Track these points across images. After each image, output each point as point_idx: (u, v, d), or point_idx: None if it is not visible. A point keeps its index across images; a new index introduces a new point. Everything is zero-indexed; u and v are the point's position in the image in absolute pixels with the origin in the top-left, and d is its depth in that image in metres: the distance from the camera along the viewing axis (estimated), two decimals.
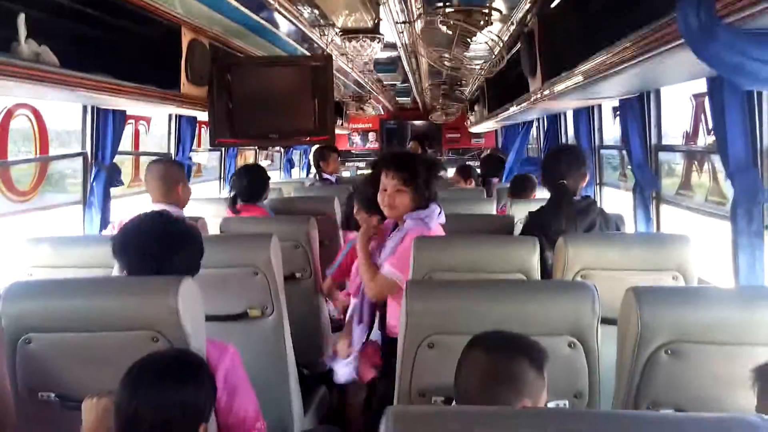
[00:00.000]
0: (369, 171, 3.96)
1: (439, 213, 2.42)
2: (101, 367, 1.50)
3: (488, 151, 9.54)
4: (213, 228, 3.08)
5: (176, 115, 4.25)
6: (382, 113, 11.24)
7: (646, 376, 1.45)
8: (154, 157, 3.59)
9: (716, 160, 2.72)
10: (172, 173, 2.80)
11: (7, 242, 2.52)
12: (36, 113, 2.96)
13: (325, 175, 5.85)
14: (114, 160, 3.36)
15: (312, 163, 6.16)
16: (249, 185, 3.48)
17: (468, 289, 1.66)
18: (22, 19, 2.16)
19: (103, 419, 1.39)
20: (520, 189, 4.30)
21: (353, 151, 11.68)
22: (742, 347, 1.42)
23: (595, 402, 1.55)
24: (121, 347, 1.48)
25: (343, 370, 2.47)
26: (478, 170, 6.11)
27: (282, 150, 7.42)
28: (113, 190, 3.40)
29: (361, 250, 2.42)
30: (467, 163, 7.09)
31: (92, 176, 3.30)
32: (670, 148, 3.39)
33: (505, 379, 1.23)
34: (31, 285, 1.70)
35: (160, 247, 1.61)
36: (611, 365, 1.59)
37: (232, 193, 3.55)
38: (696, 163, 3.06)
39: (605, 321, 1.57)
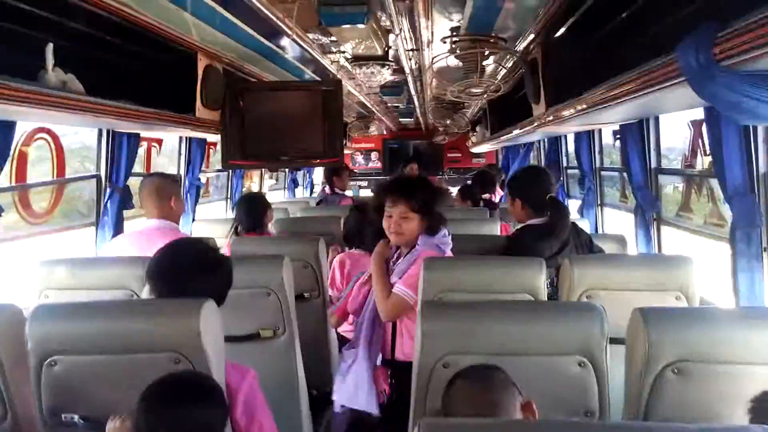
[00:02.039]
0: (371, 193, 4.01)
1: (448, 234, 2.46)
2: (124, 388, 1.51)
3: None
4: (222, 249, 3.14)
5: (187, 137, 4.33)
6: (385, 133, 11.34)
7: (654, 395, 1.50)
8: None
9: (714, 183, 2.80)
10: (165, 186, 2.82)
11: (23, 263, 2.56)
12: (54, 136, 3.04)
13: (338, 191, 5.92)
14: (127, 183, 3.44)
15: (324, 179, 6.21)
16: (249, 216, 3.51)
17: (481, 310, 1.71)
18: (50, 48, 2.24)
19: None
20: None
21: (356, 171, 11.76)
22: (744, 366, 1.47)
23: (605, 420, 1.60)
24: (143, 369, 1.50)
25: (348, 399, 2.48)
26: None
27: (287, 170, 7.50)
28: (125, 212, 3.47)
29: (377, 269, 2.41)
30: (468, 183, 7.14)
31: (106, 198, 3.37)
32: (669, 171, 3.47)
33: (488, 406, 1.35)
34: (57, 308, 1.71)
35: (194, 273, 1.66)
36: (619, 384, 1.64)
37: (235, 225, 3.59)
38: (695, 186, 3.14)
39: (611, 341, 1.63)
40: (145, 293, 1.78)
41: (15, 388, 1.62)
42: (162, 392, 1.38)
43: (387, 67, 3.73)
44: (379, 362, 2.42)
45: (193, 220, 4.39)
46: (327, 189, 5.95)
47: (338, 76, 4.16)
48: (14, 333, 1.61)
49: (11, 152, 2.53)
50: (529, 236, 2.71)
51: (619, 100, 2.44)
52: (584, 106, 2.95)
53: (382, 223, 2.42)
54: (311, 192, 8.51)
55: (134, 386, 1.47)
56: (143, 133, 3.66)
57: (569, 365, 1.57)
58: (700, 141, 3.03)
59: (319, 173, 9.63)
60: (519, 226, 2.87)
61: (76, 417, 1.54)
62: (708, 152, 2.83)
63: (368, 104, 6.97)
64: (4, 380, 1.60)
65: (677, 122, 3.30)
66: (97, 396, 1.55)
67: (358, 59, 3.72)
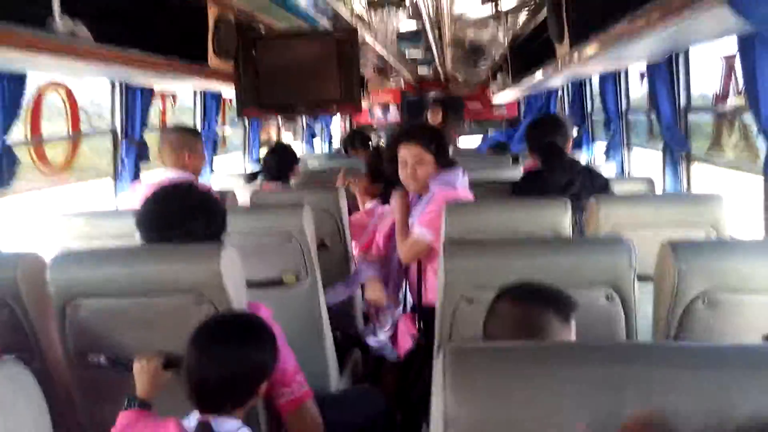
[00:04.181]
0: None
1: (463, 175, 2.44)
2: (149, 329, 1.55)
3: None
4: (241, 201, 3.13)
5: (201, 92, 4.30)
6: (403, 86, 11.17)
7: (683, 327, 1.47)
8: None
9: (747, 120, 2.70)
10: (180, 139, 2.83)
11: (43, 216, 2.59)
12: (68, 91, 3.02)
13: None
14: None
15: (341, 145, 6.13)
16: (278, 164, 3.57)
17: (504, 246, 1.69)
18: None
19: (155, 379, 1.45)
20: None
21: (374, 125, 11.66)
22: None
23: None
24: (167, 310, 1.54)
25: (379, 343, 2.51)
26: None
27: (304, 124, 7.43)
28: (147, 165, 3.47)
29: (398, 211, 2.43)
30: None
31: (123, 152, 3.37)
32: (700, 109, 3.35)
33: (532, 328, 1.26)
34: (78, 254, 1.74)
35: (180, 216, 1.64)
36: (647, 320, 1.61)
37: (252, 173, 3.61)
38: (726, 124, 3.03)
39: (639, 278, 1.59)
40: (138, 241, 1.76)
41: (41, 332, 1.66)
42: (211, 332, 1.40)
43: (403, 9, 3.61)
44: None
45: (212, 171, 4.40)
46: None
47: (353, 25, 4.05)
48: (36, 280, 1.64)
49: (23, 105, 2.52)
50: (525, 182, 2.75)
51: (646, 30, 2.34)
52: (609, 41, 2.84)
53: (398, 174, 2.44)
54: (330, 146, 8.45)
55: (159, 327, 1.54)
56: (157, 89, 3.63)
57: (597, 298, 1.54)
58: (733, 76, 2.90)
59: (337, 127, 9.55)
60: None
61: (102, 358, 1.56)
62: (740, 90, 2.73)
63: (385, 56, 6.83)
64: (30, 325, 1.64)
65: (706, 63, 3.18)
66: (122, 337, 1.57)
67: (373, 4, 3.62)
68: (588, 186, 2.61)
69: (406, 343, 2.39)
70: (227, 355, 1.37)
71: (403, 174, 2.43)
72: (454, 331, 1.62)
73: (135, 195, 2.77)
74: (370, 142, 5.58)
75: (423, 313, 2.34)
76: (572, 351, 0.82)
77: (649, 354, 0.79)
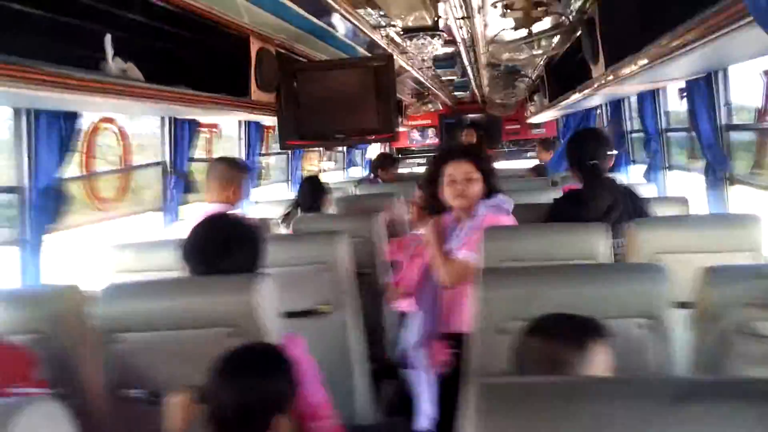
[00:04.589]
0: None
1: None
2: (183, 363, 1.57)
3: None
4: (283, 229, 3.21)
5: (245, 122, 4.43)
6: (441, 109, 11.22)
7: (723, 356, 1.44)
8: None
9: None
10: (228, 173, 2.87)
11: (95, 248, 2.68)
12: (120, 128, 3.16)
13: (378, 180, 5.89)
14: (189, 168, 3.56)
15: (370, 170, 6.24)
16: (311, 195, 3.64)
17: (540, 274, 1.68)
18: (108, 39, 2.33)
19: (184, 413, 1.46)
20: None
21: (413, 148, 11.71)
22: None
23: None
24: (202, 343, 1.56)
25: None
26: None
27: (345, 151, 7.55)
28: (190, 197, 3.59)
29: (434, 238, 2.39)
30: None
31: (171, 183, 3.50)
32: (741, 127, 3.28)
33: (554, 363, 1.24)
34: (122, 287, 1.78)
35: (217, 248, 1.68)
36: (686, 349, 1.58)
37: (294, 202, 3.68)
38: None
39: (682, 305, 1.57)
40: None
41: (81, 365, 1.70)
42: (231, 363, 1.41)
43: (438, 37, 3.67)
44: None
45: (255, 201, 4.49)
46: (370, 177, 5.97)
47: (389, 51, 4.13)
48: (76, 312, 1.69)
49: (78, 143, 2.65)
50: (565, 202, 2.66)
51: (681, 51, 2.32)
52: (645, 62, 2.82)
53: (441, 193, 2.39)
54: (369, 171, 8.54)
55: (193, 360, 1.51)
56: (203, 120, 3.76)
57: (632, 328, 1.52)
58: None
59: (375, 153, 9.65)
60: None
61: (140, 391, 1.59)
62: None
63: (422, 79, 6.90)
64: (69, 358, 1.68)
65: (748, 77, 3.11)
66: (159, 371, 1.60)
67: (408, 31, 3.69)
68: (629, 210, 2.54)
69: (439, 369, 2.32)
70: (244, 382, 1.38)
71: (451, 192, 2.37)
72: (486, 362, 1.61)
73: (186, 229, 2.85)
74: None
75: (456, 342, 2.30)
76: (603, 387, 0.82)
77: (684, 389, 0.78)
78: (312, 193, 3.67)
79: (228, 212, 2.63)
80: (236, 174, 2.93)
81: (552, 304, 1.44)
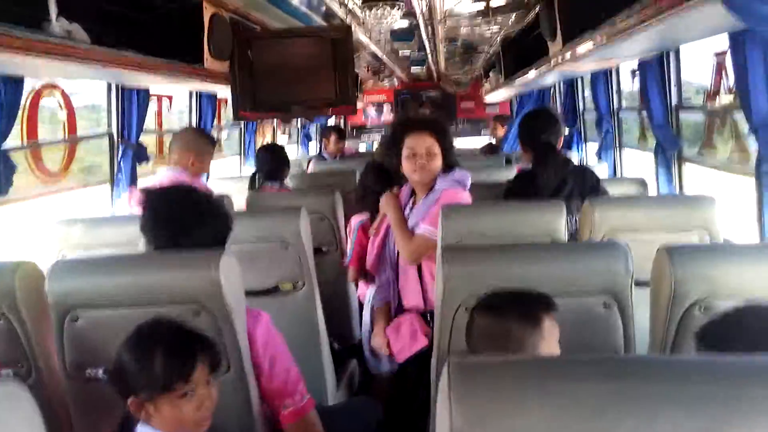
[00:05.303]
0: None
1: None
2: None
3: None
4: (238, 205, 3.12)
5: (197, 93, 4.28)
6: (397, 85, 11.17)
7: (681, 334, 1.47)
8: None
9: (739, 118, 2.72)
10: (192, 141, 2.83)
11: (39, 223, 2.57)
12: (64, 94, 3.01)
13: (324, 155, 5.82)
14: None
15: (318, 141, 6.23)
16: (270, 164, 3.53)
17: (503, 251, 1.69)
18: None
19: None
20: None
21: (368, 125, 11.65)
22: None
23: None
24: None
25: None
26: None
27: (299, 125, 7.42)
28: (138, 169, 3.46)
29: (394, 212, 2.36)
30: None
31: (119, 155, 3.36)
32: (691, 108, 3.37)
33: (503, 339, 1.28)
34: (76, 263, 1.72)
35: (189, 221, 1.61)
36: (643, 326, 1.62)
37: (253, 173, 3.59)
38: (718, 122, 3.05)
39: (635, 283, 1.59)
40: (141, 247, 1.74)
41: (38, 344, 1.63)
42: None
43: (397, 7, 3.61)
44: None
45: (207, 177, 4.37)
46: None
47: (348, 22, 4.05)
48: (34, 290, 1.62)
49: (20, 110, 2.50)
50: (517, 183, 2.70)
51: (638, 27, 2.35)
52: (602, 39, 2.85)
53: (399, 165, 2.35)
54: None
55: None
56: (153, 90, 3.61)
57: (594, 306, 1.55)
58: (723, 74, 2.92)
59: None
60: None
61: (99, 371, 1.54)
62: (731, 89, 2.74)
63: (379, 54, 6.83)
64: (27, 337, 1.62)
65: (697, 60, 3.19)
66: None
67: (367, 1, 3.61)
68: (580, 187, 2.59)
69: (414, 343, 2.28)
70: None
71: (410, 165, 2.32)
72: (453, 339, 1.62)
73: (135, 199, 2.75)
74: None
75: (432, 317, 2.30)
76: (574, 366, 0.83)
77: (655, 368, 0.79)
78: (271, 161, 3.56)
79: (186, 183, 2.55)
80: (202, 144, 2.86)
81: (516, 281, 1.45)
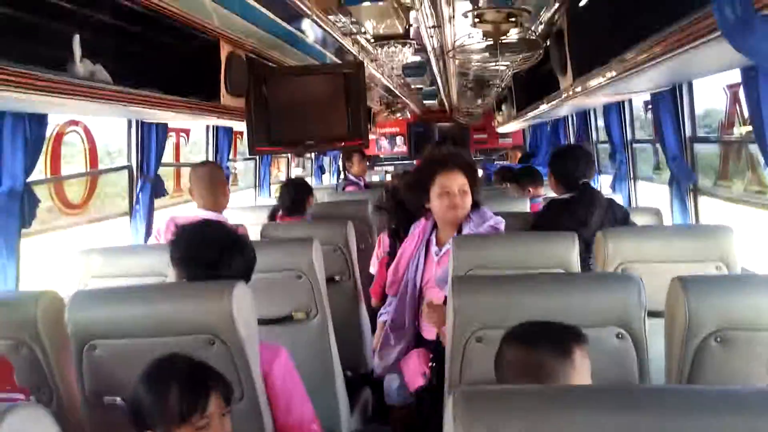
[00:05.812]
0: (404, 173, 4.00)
1: None
2: None
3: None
4: (252, 236, 3.16)
5: (214, 127, 4.37)
6: (409, 117, 11.28)
7: (696, 366, 1.46)
8: None
9: (754, 150, 2.71)
10: (218, 175, 2.92)
11: (63, 254, 2.62)
12: (86, 130, 3.08)
13: (351, 177, 5.88)
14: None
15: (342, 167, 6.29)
16: (294, 198, 3.56)
17: (514, 282, 1.68)
18: (77, 40, 2.27)
19: None
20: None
21: (381, 156, 11.74)
22: None
23: None
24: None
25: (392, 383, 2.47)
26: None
27: (313, 157, 7.51)
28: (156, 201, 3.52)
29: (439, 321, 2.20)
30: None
31: (138, 188, 3.42)
32: (706, 140, 3.37)
33: (535, 370, 1.24)
34: (94, 294, 1.76)
35: (220, 254, 1.67)
36: (658, 357, 1.61)
37: (274, 207, 3.64)
38: (733, 154, 3.04)
39: (650, 314, 1.59)
40: (171, 277, 1.79)
41: (59, 372, 1.66)
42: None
43: (409, 45, 3.69)
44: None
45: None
46: (343, 179, 6.00)
47: (360, 58, 4.13)
48: (55, 319, 1.65)
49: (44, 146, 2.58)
50: (551, 210, 2.72)
51: (649, 64, 2.37)
52: (613, 74, 2.88)
53: (431, 202, 2.35)
54: (338, 178, 8.53)
55: None
56: (171, 124, 3.70)
57: (607, 337, 1.54)
58: (737, 107, 2.93)
59: None
60: None
61: (117, 399, 1.56)
62: (746, 120, 2.75)
63: (392, 87, 6.93)
64: (48, 364, 1.64)
65: (711, 91, 3.20)
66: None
67: (379, 39, 3.69)
68: (611, 218, 2.61)
69: (417, 380, 2.30)
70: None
71: (443, 203, 2.31)
72: (464, 371, 1.61)
73: (169, 232, 2.79)
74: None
75: (436, 351, 2.26)
76: (582, 396, 0.83)
77: (661, 399, 0.79)
78: (295, 195, 3.57)
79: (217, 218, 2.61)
80: (221, 174, 2.95)
81: (528, 313, 1.44)
